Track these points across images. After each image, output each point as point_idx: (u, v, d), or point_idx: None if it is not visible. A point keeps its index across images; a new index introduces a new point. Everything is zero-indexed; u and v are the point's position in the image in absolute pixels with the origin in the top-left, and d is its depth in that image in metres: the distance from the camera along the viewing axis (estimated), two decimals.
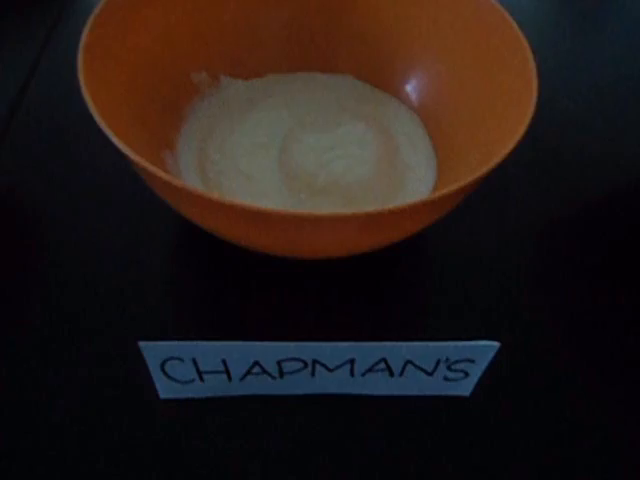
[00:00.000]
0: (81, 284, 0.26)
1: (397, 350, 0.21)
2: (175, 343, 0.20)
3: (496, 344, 0.21)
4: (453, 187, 0.19)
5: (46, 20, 0.39)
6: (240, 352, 0.21)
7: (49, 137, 0.32)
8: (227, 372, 0.22)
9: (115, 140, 0.20)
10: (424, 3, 0.29)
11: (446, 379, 0.23)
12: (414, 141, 0.29)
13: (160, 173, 0.19)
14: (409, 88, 0.31)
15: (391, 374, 0.22)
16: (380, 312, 0.26)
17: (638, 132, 0.35)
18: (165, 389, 0.23)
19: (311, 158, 0.28)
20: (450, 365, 0.22)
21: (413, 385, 0.23)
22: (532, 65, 0.24)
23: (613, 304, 0.28)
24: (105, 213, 0.29)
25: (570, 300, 0.28)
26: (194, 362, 0.21)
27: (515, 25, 0.25)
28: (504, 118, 0.24)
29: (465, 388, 0.24)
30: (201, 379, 0.22)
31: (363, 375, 0.22)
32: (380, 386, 0.23)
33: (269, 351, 0.21)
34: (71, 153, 0.31)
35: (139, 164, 0.19)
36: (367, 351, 0.21)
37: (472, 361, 0.22)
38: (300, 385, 0.23)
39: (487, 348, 0.21)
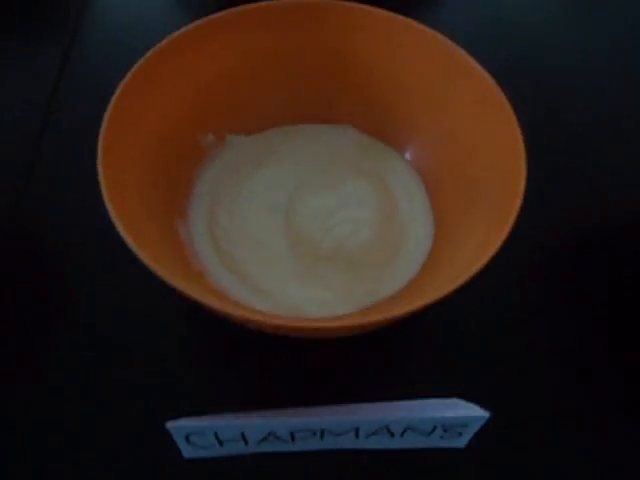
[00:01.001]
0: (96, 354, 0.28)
1: (397, 420, 0.24)
2: (198, 422, 0.23)
3: (485, 415, 0.23)
4: (435, 296, 0.21)
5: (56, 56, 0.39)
6: (256, 425, 0.23)
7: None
8: (244, 440, 0.24)
9: (147, 262, 0.22)
10: (419, 66, 0.30)
11: (442, 438, 0.25)
12: (412, 197, 0.31)
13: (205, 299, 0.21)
14: (407, 142, 0.33)
15: (392, 435, 0.25)
16: (381, 375, 0.29)
17: None
18: (188, 452, 0.25)
19: (316, 223, 0.29)
20: (445, 429, 0.24)
21: (412, 442, 0.26)
22: (521, 147, 0.25)
23: (610, 369, 0.29)
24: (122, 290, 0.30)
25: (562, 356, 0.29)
26: (215, 435, 0.24)
27: (507, 104, 0.26)
28: (498, 194, 0.26)
29: (460, 443, 0.26)
30: (221, 445, 0.25)
31: (367, 437, 0.25)
32: (382, 443, 0.26)
33: (282, 423, 0.23)
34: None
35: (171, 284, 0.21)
36: (370, 421, 0.24)
37: (465, 426, 0.24)
38: (310, 445, 0.25)
39: (478, 418, 0.23)
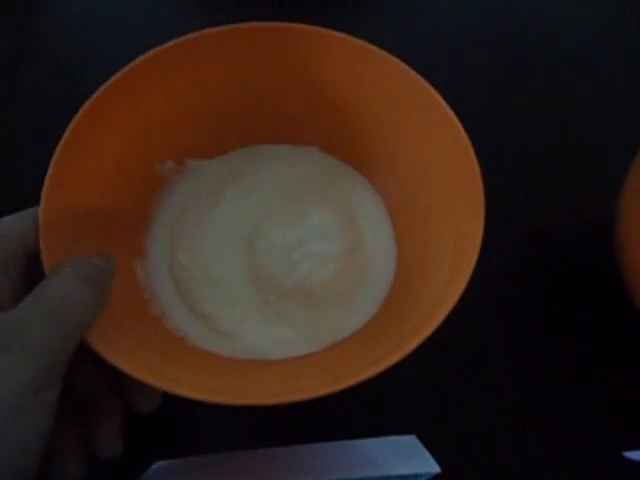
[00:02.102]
0: None
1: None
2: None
3: (437, 470, 0.22)
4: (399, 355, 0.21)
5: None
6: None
7: None
8: None
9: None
10: (382, 91, 0.29)
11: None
12: (378, 228, 0.30)
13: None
14: (372, 167, 0.32)
15: None
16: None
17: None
18: None
19: (278, 259, 0.29)
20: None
21: None
22: (480, 191, 0.25)
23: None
24: None
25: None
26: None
27: (468, 143, 0.26)
28: (460, 221, 0.25)
29: None
30: None
31: None
32: None
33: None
34: None
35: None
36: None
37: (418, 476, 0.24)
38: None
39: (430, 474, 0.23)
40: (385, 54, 0.28)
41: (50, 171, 0.24)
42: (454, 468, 0.23)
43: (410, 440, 0.23)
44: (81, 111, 0.25)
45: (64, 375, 0.20)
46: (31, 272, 0.23)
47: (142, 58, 0.27)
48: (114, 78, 0.26)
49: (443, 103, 0.26)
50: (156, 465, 0.22)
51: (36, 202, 0.24)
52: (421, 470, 0.22)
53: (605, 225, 0.29)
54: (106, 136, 0.27)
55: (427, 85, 0.27)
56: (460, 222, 0.25)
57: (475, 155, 0.25)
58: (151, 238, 0.30)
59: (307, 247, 0.29)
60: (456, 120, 0.26)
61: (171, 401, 0.24)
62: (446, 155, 0.27)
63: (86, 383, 0.24)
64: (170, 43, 0.27)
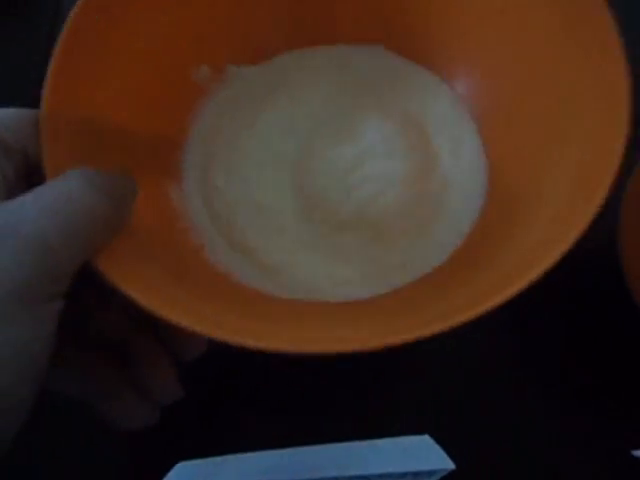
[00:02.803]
0: None
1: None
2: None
3: (452, 466, 0.19)
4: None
5: None
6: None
7: None
8: None
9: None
10: None
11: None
12: (458, 145, 0.24)
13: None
14: (457, 68, 0.25)
15: None
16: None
17: None
18: None
19: (331, 183, 0.24)
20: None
21: None
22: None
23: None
24: None
25: None
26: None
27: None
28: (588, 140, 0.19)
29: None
30: None
31: None
32: None
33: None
34: None
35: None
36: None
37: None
38: None
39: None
40: None
41: (53, 64, 0.20)
42: (469, 466, 0.20)
43: (423, 439, 0.21)
44: None
45: (66, 292, 0.16)
46: (32, 183, 0.18)
47: None
48: None
49: None
50: (180, 465, 0.19)
51: None
52: (436, 466, 0.20)
53: (609, 228, 0.25)
54: (126, 25, 0.22)
55: None
56: (585, 138, 0.19)
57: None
58: (185, 157, 0.25)
59: (367, 167, 0.24)
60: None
61: (196, 398, 0.22)
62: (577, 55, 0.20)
63: (116, 326, 0.21)
64: None
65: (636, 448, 0.24)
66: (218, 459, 0.19)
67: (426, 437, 0.21)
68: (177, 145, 0.25)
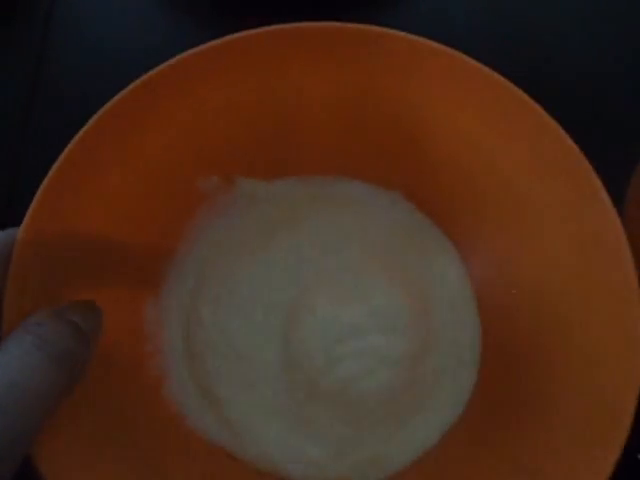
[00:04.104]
0: None
1: None
2: None
3: None
4: None
5: None
6: None
7: None
8: None
9: None
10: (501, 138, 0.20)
11: None
12: (458, 324, 0.22)
13: None
14: (470, 236, 0.23)
15: None
16: None
17: None
18: None
19: (322, 346, 0.22)
20: None
21: None
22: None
23: None
24: None
25: None
26: None
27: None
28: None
29: None
30: None
31: None
32: None
33: None
34: None
35: None
36: None
37: None
38: None
39: None
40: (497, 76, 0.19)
41: (44, 184, 0.18)
42: None
43: None
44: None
45: None
46: None
47: (171, 62, 0.20)
48: (133, 85, 0.19)
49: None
50: None
51: None
52: None
53: None
54: (126, 145, 0.20)
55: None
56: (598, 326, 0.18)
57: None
58: (172, 273, 0.23)
59: (364, 339, 0.22)
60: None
61: None
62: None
63: None
64: (223, 39, 0.20)
65: None
66: None
67: None
68: (166, 260, 0.23)
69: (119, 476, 0.18)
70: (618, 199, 0.22)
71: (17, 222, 0.18)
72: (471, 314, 0.22)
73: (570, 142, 0.19)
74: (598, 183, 0.18)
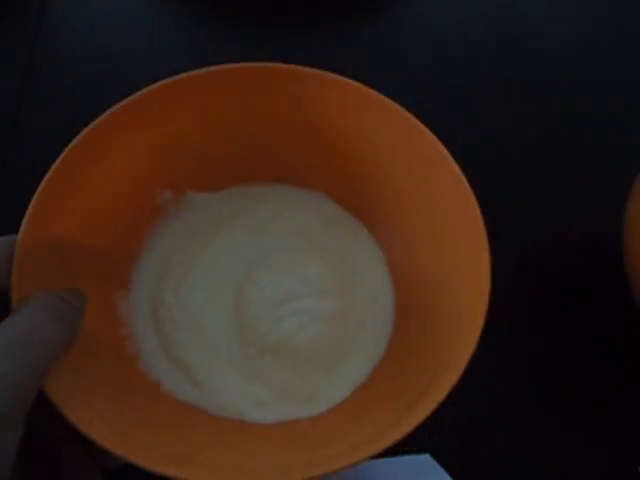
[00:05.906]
0: None
1: None
2: None
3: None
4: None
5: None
6: None
7: None
8: None
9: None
10: (394, 147, 0.27)
11: None
12: (375, 291, 0.28)
13: None
14: (376, 220, 0.30)
15: None
16: None
17: None
18: None
19: (264, 310, 0.27)
20: None
21: None
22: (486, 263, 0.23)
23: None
24: None
25: None
26: None
27: (476, 208, 0.24)
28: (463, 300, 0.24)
29: None
30: None
31: None
32: None
33: None
34: None
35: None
36: None
37: None
38: None
39: None
40: (396, 106, 0.26)
41: (35, 197, 0.24)
42: None
43: (425, 459, 0.22)
44: (71, 145, 0.25)
45: (25, 418, 0.19)
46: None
47: (140, 94, 0.26)
48: (107, 113, 0.25)
49: (453, 164, 0.25)
50: None
51: None
52: None
53: (613, 232, 0.28)
54: (101, 166, 0.26)
55: (435, 140, 0.25)
56: (464, 286, 0.24)
57: (482, 221, 0.24)
58: (138, 271, 0.29)
59: (298, 302, 0.27)
60: (465, 183, 0.25)
61: None
62: (450, 215, 0.26)
63: (53, 437, 0.23)
64: (183, 75, 0.26)
65: None
66: None
67: (427, 456, 0.22)
68: (132, 259, 0.28)
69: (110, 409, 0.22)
70: (619, 205, 0.27)
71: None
72: (384, 279, 0.29)
73: (424, 128, 0.26)
74: (443, 150, 0.25)
